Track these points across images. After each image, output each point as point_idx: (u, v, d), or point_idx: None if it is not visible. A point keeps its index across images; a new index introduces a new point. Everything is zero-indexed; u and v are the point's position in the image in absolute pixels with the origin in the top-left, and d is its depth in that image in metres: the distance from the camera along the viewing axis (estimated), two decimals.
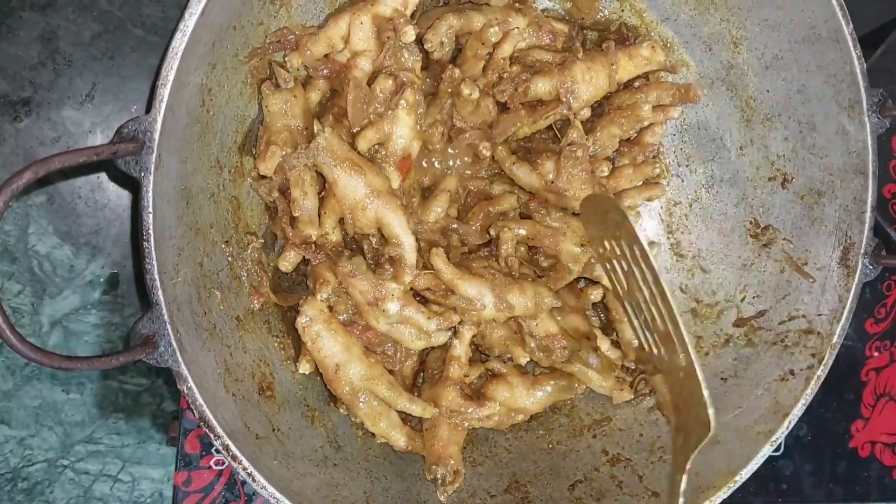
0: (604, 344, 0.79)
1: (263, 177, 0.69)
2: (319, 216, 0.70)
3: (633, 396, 0.80)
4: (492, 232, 0.76)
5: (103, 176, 0.87)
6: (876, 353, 1.01)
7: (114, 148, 0.52)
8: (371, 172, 0.68)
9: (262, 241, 0.71)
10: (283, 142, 0.67)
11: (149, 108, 0.54)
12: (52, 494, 0.89)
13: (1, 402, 0.87)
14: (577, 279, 0.80)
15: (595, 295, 0.80)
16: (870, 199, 0.71)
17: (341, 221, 0.71)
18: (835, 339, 0.72)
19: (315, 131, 0.67)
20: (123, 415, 0.90)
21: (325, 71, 0.71)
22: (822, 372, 0.72)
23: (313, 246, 0.70)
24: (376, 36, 0.70)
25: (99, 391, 0.89)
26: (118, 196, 0.87)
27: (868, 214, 0.71)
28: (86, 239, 0.87)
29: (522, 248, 0.79)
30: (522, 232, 0.76)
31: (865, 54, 0.71)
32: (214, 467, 0.81)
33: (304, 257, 0.71)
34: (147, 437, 0.91)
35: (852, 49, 0.69)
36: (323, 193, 0.70)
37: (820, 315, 0.73)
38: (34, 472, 0.88)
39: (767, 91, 0.77)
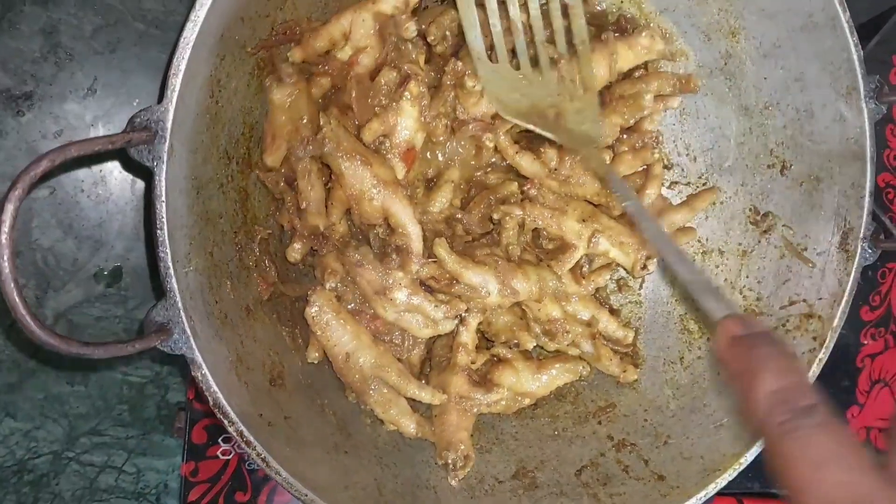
0: (611, 325, 0.80)
1: (270, 169, 0.70)
2: (326, 207, 0.70)
3: (636, 377, 0.82)
4: (495, 216, 0.77)
5: (106, 169, 0.87)
6: (871, 340, 1.02)
7: (128, 137, 0.52)
8: (377, 163, 0.69)
9: (270, 231, 0.71)
10: (288, 134, 0.68)
11: (160, 98, 0.55)
12: (58, 486, 0.89)
13: (6, 394, 0.87)
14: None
15: (600, 280, 0.81)
16: (868, 185, 0.72)
17: (348, 212, 0.72)
18: (835, 322, 0.73)
19: (321, 123, 0.67)
20: (128, 406, 0.91)
21: (326, 67, 0.72)
22: (823, 355, 0.73)
23: (321, 237, 0.70)
24: (378, 32, 0.70)
25: (103, 383, 0.90)
26: (121, 189, 0.87)
27: (866, 199, 0.72)
28: (89, 232, 0.87)
29: (528, 235, 0.79)
30: (521, 213, 0.76)
31: (860, 45, 0.72)
32: (221, 457, 0.81)
33: (311, 247, 0.71)
34: (151, 429, 0.92)
35: (849, 36, 0.70)
36: (329, 185, 0.71)
37: (820, 299, 0.74)
38: (40, 465, 0.89)
39: (765, 79, 0.78)
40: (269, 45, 0.68)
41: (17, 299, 0.46)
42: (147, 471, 0.92)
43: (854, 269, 0.72)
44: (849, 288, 0.72)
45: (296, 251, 0.71)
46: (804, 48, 0.74)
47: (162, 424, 0.91)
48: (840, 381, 1.01)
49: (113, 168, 0.87)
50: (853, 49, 0.70)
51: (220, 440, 0.81)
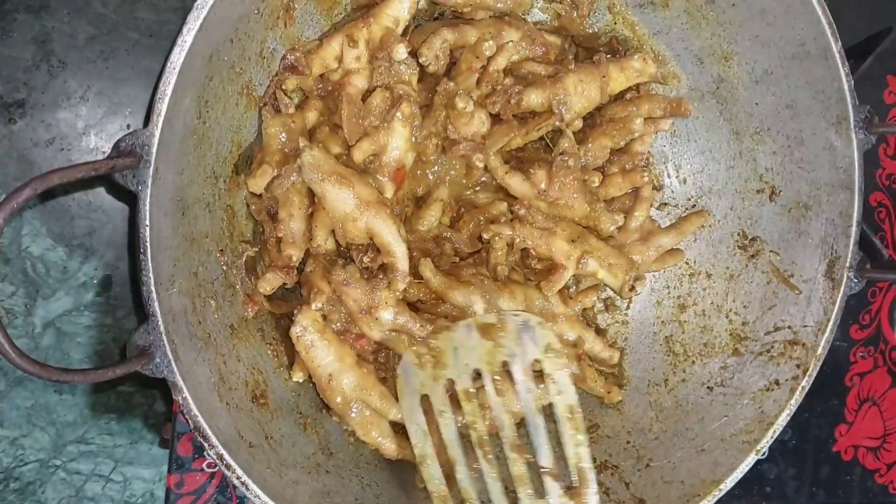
0: (597, 345, 0.80)
1: (254, 194, 0.70)
2: (311, 230, 0.70)
3: (621, 398, 0.82)
4: (484, 235, 0.77)
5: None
6: (860, 359, 1.02)
7: (112, 163, 0.52)
8: (359, 184, 0.68)
9: (257, 248, 0.71)
10: (277, 163, 0.68)
11: (146, 120, 0.55)
12: (44, 494, 0.90)
13: None
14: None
15: (587, 301, 0.81)
16: (855, 214, 0.72)
17: (333, 233, 0.72)
18: (819, 350, 0.73)
19: (301, 147, 0.67)
20: (115, 415, 0.91)
21: (320, 90, 0.72)
22: (806, 383, 0.73)
23: (294, 271, 0.70)
24: (369, 54, 0.70)
25: (91, 392, 0.90)
26: (111, 198, 0.87)
27: (854, 228, 0.73)
28: (79, 241, 0.87)
29: (516, 255, 0.79)
30: (510, 233, 0.76)
31: (852, 66, 0.72)
32: (207, 470, 0.81)
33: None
34: (139, 438, 0.92)
35: (840, 66, 0.70)
36: (311, 209, 0.71)
37: (805, 326, 0.74)
38: (26, 472, 0.89)
39: (757, 105, 0.78)
40: (278, 84, 0.69)
41: None
42: (134, 480, 0.92)
43: (839, 298, 0.72)
44: (833, 317, 0.73)
45: (268, 282, 0.70)
46: (796, 76, 0.74)
47: (149, 434, 0.92)
48: (829, 400, 1.01)
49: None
50: (844, 79, 0.70)
51: (206, 453, 0.81)
